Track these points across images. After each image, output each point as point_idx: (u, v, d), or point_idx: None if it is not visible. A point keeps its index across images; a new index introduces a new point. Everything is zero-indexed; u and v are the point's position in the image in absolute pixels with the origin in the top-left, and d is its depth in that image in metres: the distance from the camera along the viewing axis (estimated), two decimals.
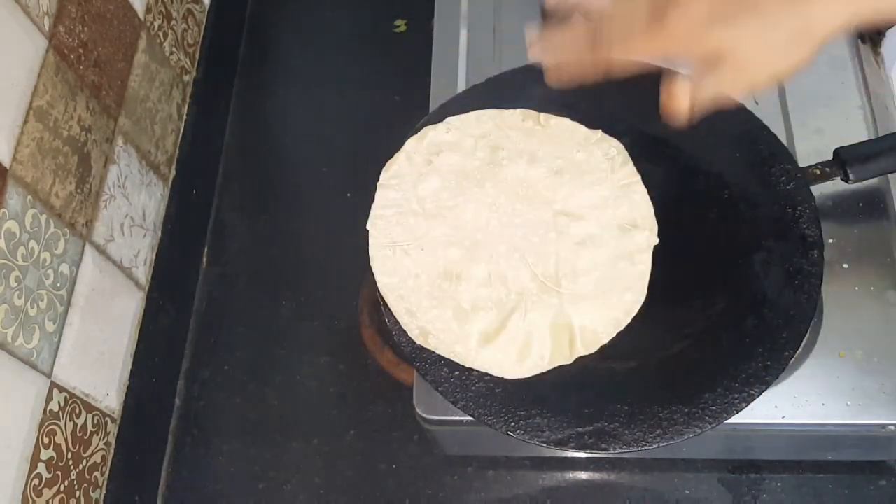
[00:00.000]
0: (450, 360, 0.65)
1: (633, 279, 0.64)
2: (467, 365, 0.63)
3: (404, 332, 0.66)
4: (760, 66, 0.49)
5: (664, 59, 0.52)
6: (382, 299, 0.66)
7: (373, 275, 0.66)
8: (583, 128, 0.70)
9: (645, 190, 0.66)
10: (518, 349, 0.63)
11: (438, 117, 0.76)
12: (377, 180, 0.74)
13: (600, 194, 0.67)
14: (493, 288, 0.65)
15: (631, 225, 0.65)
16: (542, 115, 0.71)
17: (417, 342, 0.65)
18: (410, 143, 0.72)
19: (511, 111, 0.72)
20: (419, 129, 0.73)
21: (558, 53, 0.55)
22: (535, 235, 0.66)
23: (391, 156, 0.74)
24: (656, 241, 0.64)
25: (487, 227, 0.67)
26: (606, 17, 0.53)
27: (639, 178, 0.67)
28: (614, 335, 0.62)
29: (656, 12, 0.49)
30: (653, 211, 0.65)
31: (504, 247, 0.66)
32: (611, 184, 0.67)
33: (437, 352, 0.64)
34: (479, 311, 0.65)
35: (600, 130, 0.69)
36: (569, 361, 0.62)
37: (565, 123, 0.70)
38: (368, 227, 0.68)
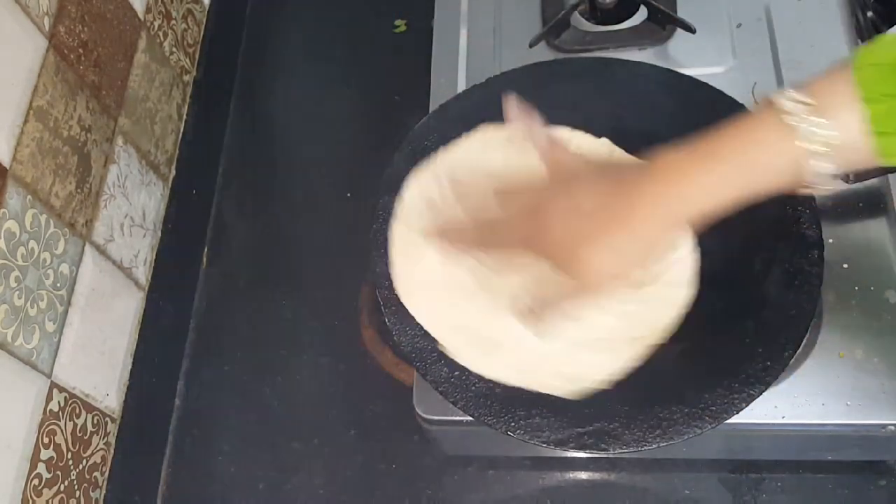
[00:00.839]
0: (450, 360, 0.65)
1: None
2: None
3: (404, 332, 0.66)
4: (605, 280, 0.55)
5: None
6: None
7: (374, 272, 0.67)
8: None
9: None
10: (481, 342, 0.64)
11: (440, 117, 0.76)
12: (377, 180, 0.74)
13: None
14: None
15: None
16: None
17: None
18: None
19: None
20: (419, 128, 0.73)
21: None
22: None
23: (391, 156, 0.74)
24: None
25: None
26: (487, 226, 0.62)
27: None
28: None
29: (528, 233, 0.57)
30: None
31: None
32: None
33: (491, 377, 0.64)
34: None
35: None
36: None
37: None
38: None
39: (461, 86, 0.82)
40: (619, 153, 0.70)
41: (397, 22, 1.09)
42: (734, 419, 0.60)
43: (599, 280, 0.55)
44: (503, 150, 0.71)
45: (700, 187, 0.50)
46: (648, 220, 0.52)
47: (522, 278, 0.65)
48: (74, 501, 0.74)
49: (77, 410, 0.75)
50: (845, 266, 0.69)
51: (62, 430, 0.72)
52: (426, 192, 0.70)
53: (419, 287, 0.67)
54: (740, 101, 0.71)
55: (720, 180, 0.49)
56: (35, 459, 0.68)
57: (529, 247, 0.57)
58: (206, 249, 0.99)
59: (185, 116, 1.00)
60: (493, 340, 0.65)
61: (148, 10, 0.91)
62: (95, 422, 0.78)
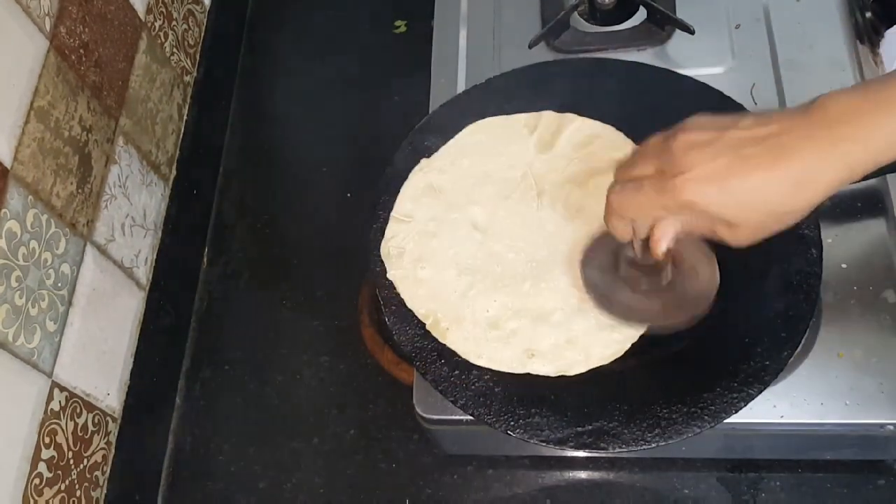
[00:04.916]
0: (450, 360, 0.65)
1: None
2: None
3: (404, 331, 0.67)
4: (754, 228, 0.52)
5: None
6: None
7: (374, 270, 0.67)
8: None
9: None
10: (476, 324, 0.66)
11: (440, 117, 0.76)
12: (377, 180, 0.74)
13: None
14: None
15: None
16: None
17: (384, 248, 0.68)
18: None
19: None
20: (419, 129, 0.73)
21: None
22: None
23: (391, 156, 0.74)
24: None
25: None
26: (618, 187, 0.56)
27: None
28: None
29: (662, 178, 0.52)
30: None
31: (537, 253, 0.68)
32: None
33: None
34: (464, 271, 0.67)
35: None
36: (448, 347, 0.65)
37: None
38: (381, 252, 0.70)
39: (461, 86, 0.82)
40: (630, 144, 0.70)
41: (397, 22, 1.09)
42: (733, 418, 0.60)
43: (755, 217, 0.51)
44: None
45: (884, 134, 0.47)
46: (824, 162, 0.48)
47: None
48: (75, 501, 0.74)
49: (78, 410, 0.75)
50: (844, 266, 0.69)
51: (63, 430, 0.72)
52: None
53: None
54: (740, 102, 0.71)
55: None
56: (36, 459, 0.69)
57: (660, 188, 0.52)
58: (206, 249, 0.99)
59: (185, 117, 1.00)
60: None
61: (149, 11, 0.91)
62: (96, 421, 0.78)
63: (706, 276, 0.60)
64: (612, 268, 0.63)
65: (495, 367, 0.64)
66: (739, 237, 0.53)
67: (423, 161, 0.73)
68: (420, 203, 0.71)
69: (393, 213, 0.71)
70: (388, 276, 0.69)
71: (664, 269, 0.60)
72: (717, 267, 0.60)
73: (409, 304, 0.67)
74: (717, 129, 0.51)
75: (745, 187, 0.50)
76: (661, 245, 0.54)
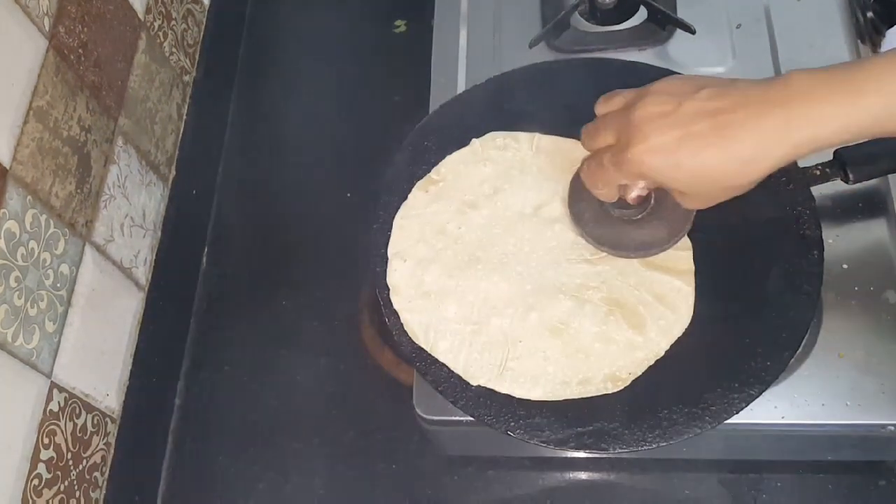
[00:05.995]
0: None
1: (594, 370, 0.63)
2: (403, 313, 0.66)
3: (404, 331, 0.67)
4: (703, 197, 0.56)
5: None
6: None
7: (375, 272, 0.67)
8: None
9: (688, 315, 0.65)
10: (457, 343, 0.65)
11: (440, 117, 0.76)
12: (377, 180, 0.74)
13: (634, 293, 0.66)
14: (483, 294, 0.66)
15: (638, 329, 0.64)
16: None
17: (387, 280, 0.67)
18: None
19: None
20: (419, 129, 0.73)
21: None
22: (561, 263, 0.67)
23: (391, 156, 0.74)
24: (650, 362, 0.63)
25: (518, 247, 0.69)
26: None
27: (690, 291, 0.65)
28: (531, 398, 0.63)
29: (619, 151, 0.55)
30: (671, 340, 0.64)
31: (520, 267, 0.67)
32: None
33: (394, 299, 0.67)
34: (449, 296, 0.66)
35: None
36: (479, 384, 0.64)
37: None
38: (416, 188, 0.71)
39: (461, 86, 0.82)
40: None
41: (397, 22, 1.09)
42: (734, 419, 0.60)
43: (703, 188, 0.54)
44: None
45: (838, 115, 0.48)
46: (773, 141, 0.50)
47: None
48: (74, 501, 0.74)
49: (77, 410, 0.75)
50: (845, 266, 0.69)
51: (62, 431, 0.72)
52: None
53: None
54: None
55: (859, 112, 0.48)
56: (35, 459, 0.68)
57: (618, 156, 0.55)
58: (205, 249, 0.99)
59: (185, 116, 1.00)
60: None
61: (148, 11, 0.91)
62: (95, 422, 0.78)
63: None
64: (597, 204, 0.64)
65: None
66: (691, 203, 0.57)
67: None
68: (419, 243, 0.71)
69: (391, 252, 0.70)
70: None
71: (647, 202, 0.63)
72: None
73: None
74: (677, 98, 0.53)
75: (693, 163, 0.52)
76: (632, 195, 0.60)
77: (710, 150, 0.51)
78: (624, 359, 0.63)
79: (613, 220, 0.65)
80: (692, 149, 0.51)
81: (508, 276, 0.67)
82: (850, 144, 0.67)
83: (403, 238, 0.70)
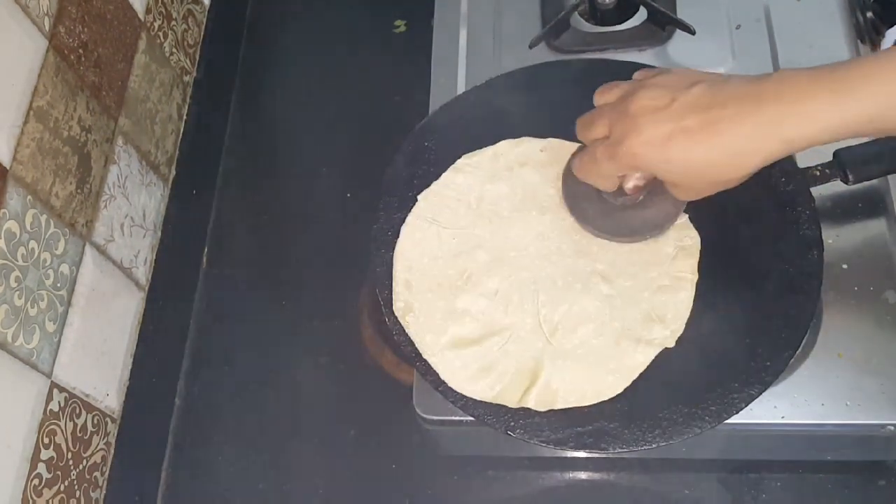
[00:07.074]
0: None
1: (624, 366, 0.63)
2: (425, 356, 0.64)
3: (404, 331, 0.67)
4: (695, 190, 0.57)
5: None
6: (391, 265, 0.68)
7: (376, 267, 0.66)
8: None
9: (693, 293, 0.65)
10: (478, 368, 0.63)
11: (440, 117, 0.76)
12: (377, 180, 0.74)
13: (648, 275, 0.65)
14: (494, 304, 0.65)
15: (658, 318, 0.64)
16: None
17: (397, 313, 0.65)
18: (504, 145, 0.72)
19: None
20: (419, 129, 0.73)
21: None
22: (562, 279, 0.66)
23: (391, 156, 0.74)
24: (671, 344, 0.63)
25: (524, 250, 0.67)
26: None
27: (695, 277, 0.65)
28: (571, 406, 0.62)
29: (613, 144, 0.56)
30: (687, 317, 0.64)
31: (527, 274, 0.66)
32: (664, 270, 0.66)
33: (407, 331, 0.65)
34: (466, 316, 0.65)
35: (687, 216, 0.67)
36: (512, 405, 0.62)
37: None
38: (420, 197, 0.70)
39: (461, 86, 0.82)
40: None
41: (397, 22, 1.09)
42: (734, 419, 0.60)
43: (694, 181, 0.55)
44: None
45: (828, 112, 0.49)
46: (763, 137, 0.50)
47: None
48: (74, 501, 0.74)
49: (77, 410, 0.75)
50: (845, 266, 0.69)
51: (62, 431, 0.72)
52: (455, 182, 0.72)
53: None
54: None
55: (851, 111, 0.48)
56: (35, 459, 0.68)
57: (612, 145, 0.55)
58: (206, 249, 0.99)
59: (185, 117, 1.00)
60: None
61: (148, 11, 0.91)
62: (95, 422, 0.78)
63: None
64: (593, 192, 0.64)
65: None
66: (684, 195, 0.58)
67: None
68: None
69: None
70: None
71: (642, 192, 0.63)
72: None
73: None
74: (671, 92, 0.53)
75: (684, 157, 0.53)
76: (629, 186, 0.61)
77: (701, 144, 0.52)
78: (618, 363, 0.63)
79: (612, 208, 0.65)
80: (683, 143, 0.52)
81: (509, 279, 0.67)
82: (850, 145, 0.67)
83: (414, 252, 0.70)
